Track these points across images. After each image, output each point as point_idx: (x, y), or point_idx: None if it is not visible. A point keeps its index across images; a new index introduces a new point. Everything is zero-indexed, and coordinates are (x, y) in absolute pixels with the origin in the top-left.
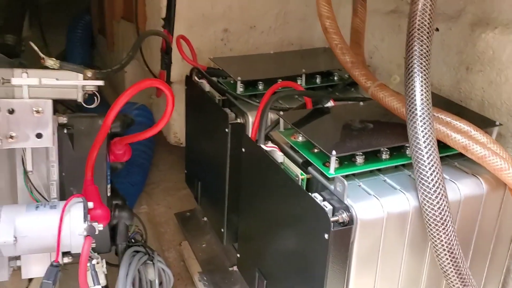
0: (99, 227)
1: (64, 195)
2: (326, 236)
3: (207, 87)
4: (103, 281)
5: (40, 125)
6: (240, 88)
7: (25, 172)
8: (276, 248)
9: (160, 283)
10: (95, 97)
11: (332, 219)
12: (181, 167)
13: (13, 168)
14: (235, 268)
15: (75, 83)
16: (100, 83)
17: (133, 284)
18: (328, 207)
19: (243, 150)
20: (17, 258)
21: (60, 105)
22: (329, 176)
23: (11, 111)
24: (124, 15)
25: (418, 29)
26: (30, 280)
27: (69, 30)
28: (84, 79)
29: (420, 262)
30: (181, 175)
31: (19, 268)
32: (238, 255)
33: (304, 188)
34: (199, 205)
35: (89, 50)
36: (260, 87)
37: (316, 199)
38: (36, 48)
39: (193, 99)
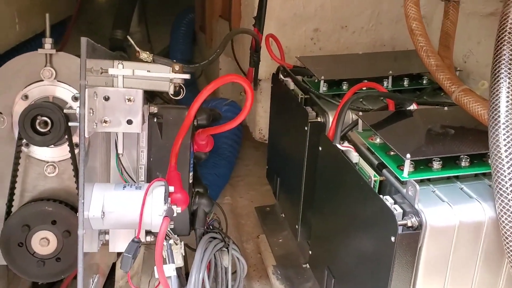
0: (177, 210)
1: (150, 179)
2: (392, 239)
3: (291, 85)
4: (180, 262)
5: (131, 113)
6: (323, 87)
7: (117, 155)
8: (346, 248)
9: (234, 272)
10: (181, 90)
11: (400, 222)
12: (265, 163)
13: (108, 150)
14: (307, 265)
15: (164, 75)
16: (187, 76)
17: (209, 268)
18: (397, 210)
19: (320, 148)
20: (106, 232)
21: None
22: (402, 180)
23: (107, 98)
24: (222, 14)
25: (510, 32)
26: (119, 254)
27: (173, 27)
28: (172, 72)
29: (495, 278)
30: (265, 171)
31: (107, 242)
32: (310, 252)
33: (376, 190)
34: (277, 201)
35: (190, 46)
36: (344, 87)
37: (386, 201)
38: (132, 42)
39: (277, 96)
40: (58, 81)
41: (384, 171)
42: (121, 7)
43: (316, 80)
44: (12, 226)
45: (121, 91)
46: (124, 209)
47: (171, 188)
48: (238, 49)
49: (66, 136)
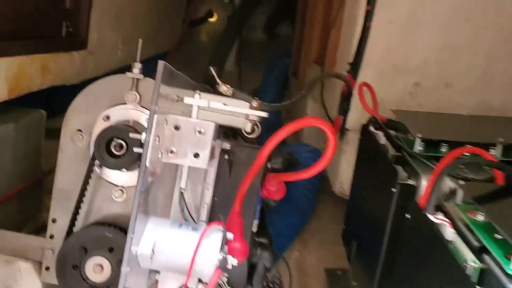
0: (233, 261)
1: (212, 220)
2: None
3: (382, 139)
4: None
5: (200, 146)
6: (418, 146)
7: (184, 190)
8: None
9: None
10: (255, 128)
11: None
12: (342, 221)
13: (173, 183)
14: None
15: (239, 110)
16: (264, 114)
17: None
18: None
19: (407, 216)
20: (157, 271)
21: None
22: (510, 273)
23: (177, 128)
24: (317, 60)
25: None
26: None
27: (267, 69)
28: (250, 108)
29: None
30: (341, 229)
31: (157, 282)
32: None
33: (475, 281)
34: (350, 267)
35: (280, 90)
36: (443, 149)
37: None
38: (214, 73)
39: (365, 150)
40: (141, 106)
41: (486, 257)
42: (219, 46)
43: (411, 138)
44: (70, 246)
45: (193, 122)
46: (175, 250)
47: (230, 235)
48: (327, 96)
49: (139, 162)
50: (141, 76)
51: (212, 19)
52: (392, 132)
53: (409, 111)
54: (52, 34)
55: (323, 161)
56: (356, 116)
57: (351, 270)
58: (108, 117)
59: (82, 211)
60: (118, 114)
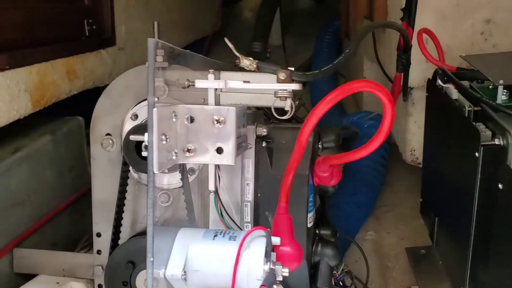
0: (283, 271)
1: (258, 219)
2: None
3: (454, 93)
4: None
5: (221, 138)
6: (502, 96)
7: (215, 192)
8: None
9: None
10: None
11: None
12: (420, 191)
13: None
14: None
15: (264, 86)
16: (296, 87)
17: None
18: None
19: (500, 186)
20: None
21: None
22: None
23: (191, 120)
24: (367, 14)
25: None
26: None
27: (317, 37)
28: (278, 82)
29: None
30: (419, 200)
31: None
32: None
33: None
34: (434, 246)
35: (335, 56)
36: None
37: None
38: (231, 45)
39: (435, 109)
40: (172, 98)
41: None
42: (259, 19)
43: (490, 86)
44: (116, 261)
45: (208, 110)
46: (212, 268)
47: (276, 240)
48: (382, 52)
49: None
50: (165, 64)
51: None
52: (465, 83)
53: (484, 55)
54: (74, 35)
55: (380, 134)
56: (420, 71)
57: (436, 250)
58: (136, 116)
59: (126, 222)
60: (146, 110)
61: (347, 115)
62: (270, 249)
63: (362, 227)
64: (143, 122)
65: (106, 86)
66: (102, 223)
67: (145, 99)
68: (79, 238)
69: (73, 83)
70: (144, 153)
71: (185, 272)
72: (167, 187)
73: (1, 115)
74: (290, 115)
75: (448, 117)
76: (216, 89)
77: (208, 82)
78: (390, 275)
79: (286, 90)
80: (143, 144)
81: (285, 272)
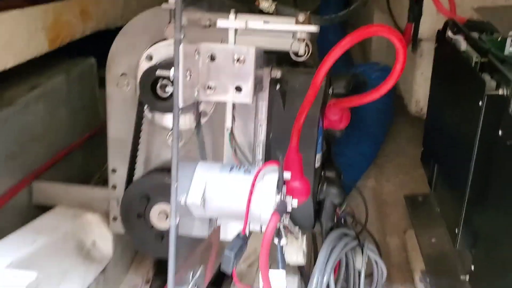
0: (293, 203)
1: (270, 159)
2: None
3: (463, 45)
4: (301, 260)
5: (240, 77)
6: (510, 48)
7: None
8: None
9: (370, 274)
10: (306, 48)
11: None
12: (421, 143)
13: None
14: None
15: (283, 28)
16: (313, 29)
17: (338, 269)
18: None
19: (500, 133)
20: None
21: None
22: None
23: (212, 58)
24: None
25: None
26: None
27: None
28: (296, 24)
29: None
30: (420, 151)
31: (219, 228)
32: (473, 268)
33: None
34: (432, 192)
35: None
36: None
37: None
38: None
39: (443, 60)
40: (187, 39)
41: None
42: None
43: (499, 38)
44: (131, 196)
45: (229, 49)
46: (228, 197)
47: (288, 175)
48: (394, 2)
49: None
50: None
51: None
52: (474, 35)
53: (495, 7)
54: None
55: (392, 78)
56: (430, 22)
57: (433, 196)
58: (151, 57)
59: (140, 159)
60: (161, 52)
61: (355, 66)
62: (282, 182)
63: (364, 174)
64: (158, 63)
65: (117, 28)
66: (117, 160)
67: (160, 40)
68: (90, 175)
69: (86, 24)
70: (160, 92)
71: (203, 200)
72: (180, 128)
73: (19, 52)
74: (307, 57)
75: (455, 68)
76: (236, 30)
77: (229, 22)
78: (387, 220)
79: (305, 31)
80: (159, 84)
81: (295, 203)
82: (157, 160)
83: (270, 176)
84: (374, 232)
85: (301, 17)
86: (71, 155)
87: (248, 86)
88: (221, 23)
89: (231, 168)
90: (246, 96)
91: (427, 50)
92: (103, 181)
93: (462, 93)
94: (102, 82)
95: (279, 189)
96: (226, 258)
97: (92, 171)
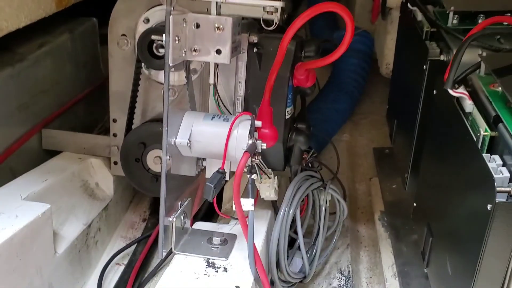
0: (262, 145)
1: (247, 111)
2: (489, 207)
3: (419, 15)
4: (273, 196)
5: (220, 42)
6: (453, 20)
7: (214, 85)
8: (446, 207)
9: (334, 213)
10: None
11: (501, 189)
12: None
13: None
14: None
15: (252, 2)
16: (278, 4)
17: (306, 206)
18: (503, 174)
19: (434, 92)
20: (204, 159)
21: None
22: None
23: (197, 26)
24: None
25: None
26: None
27: None
28: None
29: None
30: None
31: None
32: (414, 205)
33: (486, 147)
34: (392, 144)
35: None
36: (481, 21)
37: (487, 160)
38: None
39: (404, 28)
40: (179, 5)
41: (501, 126)
42: None
43: (447, 12)
44: (130, 142)
45: (211, 19)
46: (209, 140)
47: (258, 123)
48: None
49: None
50: None
51: None
52: (430, 8)
53: None
54: None
55: (342, 46)
56: None
57: (394, 148)
58: (148, 20)
59: (138, 111)
60: (157, 15)
61: (338, 31)
62: (254, 129)
63: (340, 130)
64: (154, 25)
65: None
66: (117, 111)
67: (157, 5)
68: (93, 126)
69: None
70: (156, 52)
71: (190, 141)
72: (173, 83)
73: (31, 13)
74: (275, 27)
75: (411, 35)
76: (217, 2)
77: None
78: (358, 170)
79: (273, 6)
80: (154, 44)
81: (264, 146)
82: (153, 112)
83: (244, 123)
84: (344, 179)
85: None
86: (76, 107)
87: (226, 50)
88: None
89: (213, 117)
90: (224, 58)
91: (396, 18)
92: (105, 131)
93: (413, 57)
94: (102, 40)
95: (251, 134)
96: (207, 187)
97: (94, 121)
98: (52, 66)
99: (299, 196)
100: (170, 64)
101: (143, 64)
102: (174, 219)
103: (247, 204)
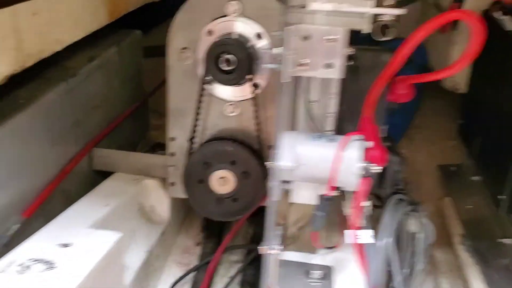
0: (374, 168)
1: (339, 129)
2: None
3: (509, 25)
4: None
5: (331, 55)
6: None
7: (309, 102)
8: None
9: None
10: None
11: None
12: (449, 115)
13: (295, 95)
14: (506, 240)
15: (363, 10)
16: (398, 11)
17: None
18: None
19: None
20: (289, 181)
21: None
22: None
23: (306, 38)
24: None
25: None
26: (290, 204)
27: None
28: (380, 6)
29: None
30: (448, 124)
31: (287, 191)
32: None
33: None
34: (474, 161)
35: None
36: None
37: None
38: None
39: (488, 39)
40: (244, 16)
41: None
42: None
43: None
44: (194, 163)
45: (322, 30)
46: (316, 162)
47: (369, 144)
48: None
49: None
50: None
51: None
52: None
53: None
54: None
55: (464, 58)
56: (475, 1)
57: (471, 165)
58: (211, 32)
59: (198, 128)
60: (221, 27)
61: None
62: (365, 151)
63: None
64: (220, 37)
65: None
66: (176, 129)
67: (221, 17)
68: (136, 143)
69: None
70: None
71: (294, 165)
72: (233, 99)
73: (87, 26)
74: (390, 37)
75: (501, 48)
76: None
77: (320, 5)
78: (422, 189)
79: (388, 14)
80: (220, 58)
81: (375, 169)
82: (214, 129)
83: (354, 145)
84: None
85: (388, 1)
86: (122, 124)
87: (338, 63)
88: (313, 5)
89: (316, 137)
90: (336, 72)
91: (464, 27)
92: (146, 150)
93: (508, 70)
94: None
95: (363, 157)
96: (319, 218)
97: (137, 140)
98: (102, 81)
99: (395, 223)
100: (286, 81)
101: (206, 79)
102: (276, 251)
103: (365, 236)
